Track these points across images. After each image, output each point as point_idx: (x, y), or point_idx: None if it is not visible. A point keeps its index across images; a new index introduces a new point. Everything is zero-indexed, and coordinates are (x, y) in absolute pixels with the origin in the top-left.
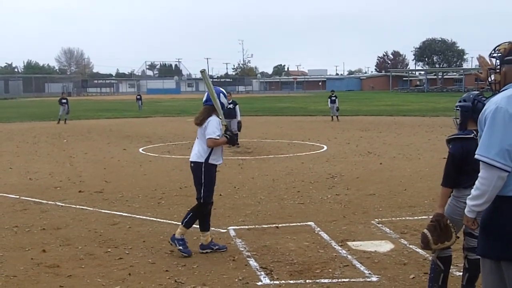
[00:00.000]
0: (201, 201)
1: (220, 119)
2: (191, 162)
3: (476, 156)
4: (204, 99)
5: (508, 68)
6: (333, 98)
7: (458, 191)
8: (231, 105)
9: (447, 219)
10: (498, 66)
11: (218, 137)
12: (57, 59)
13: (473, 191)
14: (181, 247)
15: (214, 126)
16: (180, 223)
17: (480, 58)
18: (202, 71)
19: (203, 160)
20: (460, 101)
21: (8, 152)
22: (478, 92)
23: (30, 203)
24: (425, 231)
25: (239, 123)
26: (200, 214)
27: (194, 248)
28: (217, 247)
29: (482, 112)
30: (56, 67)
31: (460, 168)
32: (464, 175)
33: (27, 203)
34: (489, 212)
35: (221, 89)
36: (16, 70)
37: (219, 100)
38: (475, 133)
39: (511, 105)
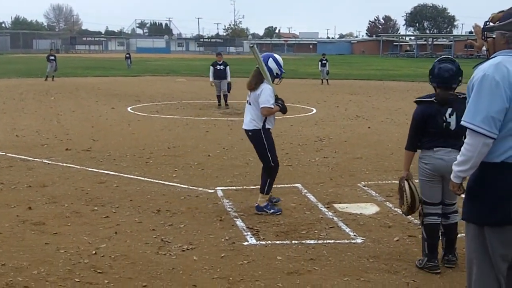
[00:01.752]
0: (271, 164)
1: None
2: (248, 130)
3: (462, 122)
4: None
5: (497, 35)
6: (324, 61)
7: (421, 152)
8: (222, 66)
9: (405, 182)
10: (489, 34)
11: (272, 106)
12: (45, 15)
13: (459, 157)
14: (272, 210)
15: (268, 95)
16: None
17: (476, 27)
18: (251, 46)
19: (260, 127)
20: None
21: None
22: None
23: (16, 160)
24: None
25: (229, 84)
26: (274, 174)
27: (180, 208)
28: (272, 211)
29: (470, 79)
30: (45, 24)
31: (422, 131)
32: (426, 137)
33: (13, 160)
34: (474, 178)
35: (273, 54)
36: (3, 25)
37: (268, 66)
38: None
39: (498, 73)
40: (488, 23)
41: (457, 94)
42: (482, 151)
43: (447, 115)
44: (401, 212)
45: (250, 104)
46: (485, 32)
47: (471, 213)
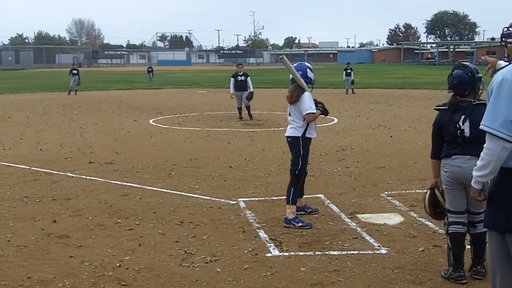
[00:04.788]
0: (296, 172)
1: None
2: (287, 137)
3: (481, 127)
4: (291, 76)
5: None
6: (349, 70)
7: (442, 161)
8: (243, 77)
9: (428, 191)
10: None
11: (314, 111)
12: (68, 30)
13: (478, 162)
14: (300, 224)
15: (308, 101)
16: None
17: (487, 59)
18: (281, 58)
19: (300, 135)
20: None
21: (18, 122)
22: None
23: (41, 173)
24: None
25: (250, 93)
26: (299, 184)
27: (203, 219)
28: (300, 224)
29: (490, 84)
30: (67, 38)
31: (440, 138)
32: (445, 145)
33: (37, 173)
34: (494, 184)
35: (307, 64)
36: (26, 40)
37: (307, 75)
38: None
39: None
40: (508, 29)
41: (471, 100)
42: (501, 155)
43: (460, 122)
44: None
45: (290, 115)
46: (504, 38)
47: (492, 220)
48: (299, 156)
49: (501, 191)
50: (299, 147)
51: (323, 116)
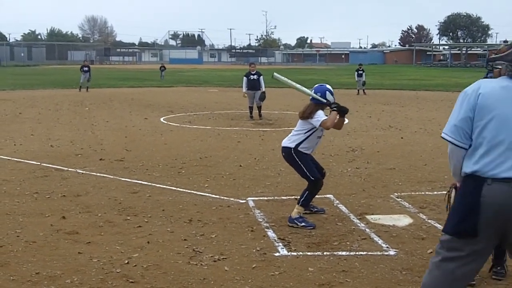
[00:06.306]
0: (311, 178)
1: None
2: (282, 149)
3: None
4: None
5: (502, 66)
6: (360, 71)
7: None
8: (255, 76)
9: (453, 190)
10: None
11: (325, 117)
12: (80, 27)
13: None
14: (303, 224)
15: (321, 113)
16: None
17: None
18: (273, 76)
19: (292, 146)
20: None
21: (30, 119)
22: None
23: (51, 170)
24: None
25: (263, 93)
26: (315, 191)
27: (211, 218)
28: (303, 224)
29: None
30: (79, 35)
31: None
32: None
33: (48, 169)
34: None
35: (327, 86)
36: (39, 37)
37: (325, 97)
38: None
39: (471, 87)
40: (496, 53)
41: None
42: (453, 158)
43: None
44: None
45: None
46: (490, 63)
47: (446, 222)
48: (300, 167)
49: (456, 197)
50: (294, 159)
51: (344, 120)
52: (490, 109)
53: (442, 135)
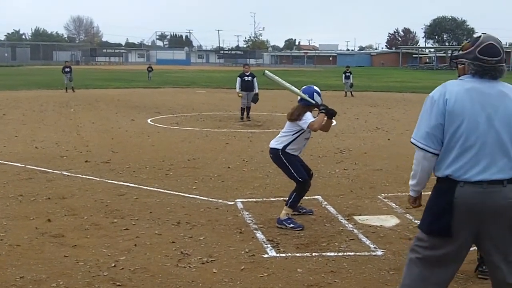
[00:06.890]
0: (299, 179)
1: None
2: (269, 150)
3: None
4: (299, 98)
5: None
6: (348, 74)
7: None
8: (249, 77)
9: None
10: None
11: (313, 118)
12: (66, 27)
13: (411, 172)
14: (292, 225)
15: (309, 115)
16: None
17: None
18: (264, 74)
19: (280, 147)
20: None
21: (14, 120)
22: None
23: (36, 172)
24: None
25: (256, 95)
26: (303, 192)
27: (200, 220)
28: (291, 225)
29: None
30: (65, 35)
31: None
32: None
33: (32, 172)
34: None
35: (315, 88)
36: (23, 37)
37: (313, 98)
38: None
39: (437, 92)
40: (458, 51)
41: None
42: (423, 164)
43: None
44: None
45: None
46: (454, 60)
47: (421, 221)
48: (288, 168)
49: (431, 196)
50: (282, 160)
51: (331, 122)
52: (458, 114)
53: (413, 141)
